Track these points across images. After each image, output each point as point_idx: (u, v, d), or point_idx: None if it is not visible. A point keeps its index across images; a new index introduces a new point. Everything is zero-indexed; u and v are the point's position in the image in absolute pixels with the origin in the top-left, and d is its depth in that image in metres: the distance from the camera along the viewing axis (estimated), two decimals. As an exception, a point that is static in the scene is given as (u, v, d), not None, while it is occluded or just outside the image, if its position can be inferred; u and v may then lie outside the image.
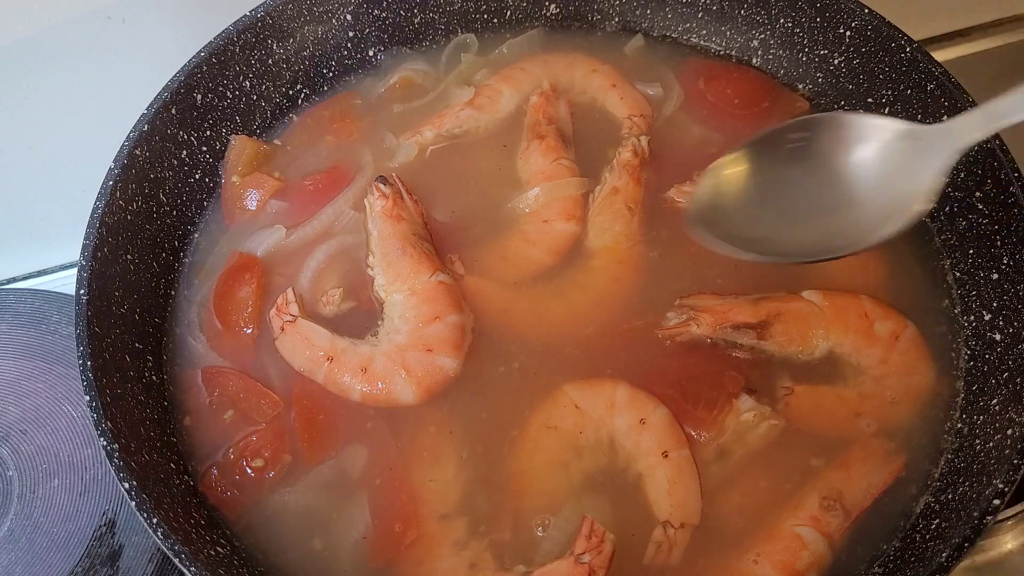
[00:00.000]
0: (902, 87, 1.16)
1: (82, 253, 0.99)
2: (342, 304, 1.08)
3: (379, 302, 1.08)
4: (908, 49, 1.13)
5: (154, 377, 1.05)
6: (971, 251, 1.09)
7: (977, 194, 1.08)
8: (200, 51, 1.16)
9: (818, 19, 1.23)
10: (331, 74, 1.30)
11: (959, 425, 1.01)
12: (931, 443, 1.01)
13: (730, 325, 1.03)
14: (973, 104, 1.08)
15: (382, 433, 1.00)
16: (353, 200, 1.16)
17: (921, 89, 1.13)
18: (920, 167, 0.89)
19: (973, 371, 1.04)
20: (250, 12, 1.19)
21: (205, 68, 1.16)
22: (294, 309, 1.05)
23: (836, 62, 1.23)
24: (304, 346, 1.03)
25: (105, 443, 0.88)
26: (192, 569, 0.83)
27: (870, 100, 1.21)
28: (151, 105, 1.11)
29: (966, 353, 1.06)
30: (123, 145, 1.07)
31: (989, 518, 0.86)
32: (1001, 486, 0.87)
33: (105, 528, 1.13)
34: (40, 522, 1.13)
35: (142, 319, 1.07)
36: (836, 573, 0.94)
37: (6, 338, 1.28)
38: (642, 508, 0.95)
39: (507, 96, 1.25)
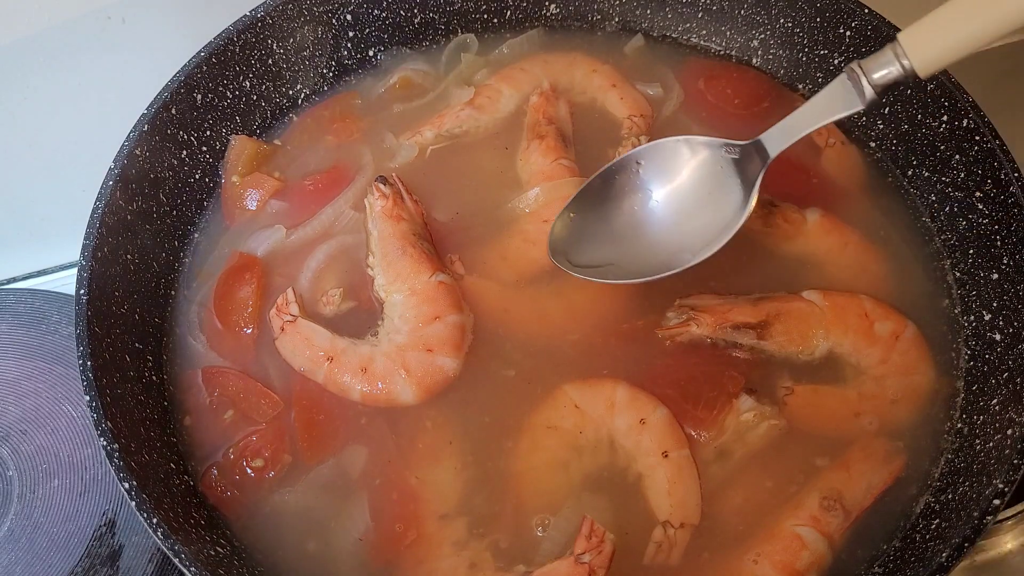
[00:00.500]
0: (902, 87, 1.16)
1: (82, 253, 0.99)
2: (342, 304, 1.08)
3: (379, 302, 1.08)
4: (908, 49, 1.13)
5: (154, 377, 1.05)
6: (971, 251, 1.09)
7: (977, 194, 1.08)
8: (200, 51, 1.16)
9: (818, 19, 1.23)
10: (331, 74, 1.30)
11: (959, 425, 1.01)
12: (931, 443, 1.01)
13: (730, 325, 1.03)
14: (973, 104, 1.08)
15: (382, 433, 1.00)
16: (353, 200, 1.16)
17: (921, 89, 1.13)
18: (736, 181, 1.01)
19: (973, 371, 1.04)
20: (250, 12, 1.19)
21: (205, 68, 1.16)
22: (294, 309, 1.05)
23: (836, 62, 1.23)
24: (304, 346, 1.03)
25: (105, 443, 0.88)
26: (192, 569, 0.83)
27: (870, 100, 1.21)
28: (151, 105, 1.11)
29: (966, 353, 1.06)
30: (123, 145, 1.07)
31: (989, 518, 0.86)
32: (1001, 486, 0.87)
33: (105, 528, 1.13)
34: (40, 522, 1.13)
35: (142, 319, 1.07)
36: (836, 573, 0.94)
37: (6, 338, 1.28)
38: (642, 508, 0.95)
39: (507, 96, 1.25)
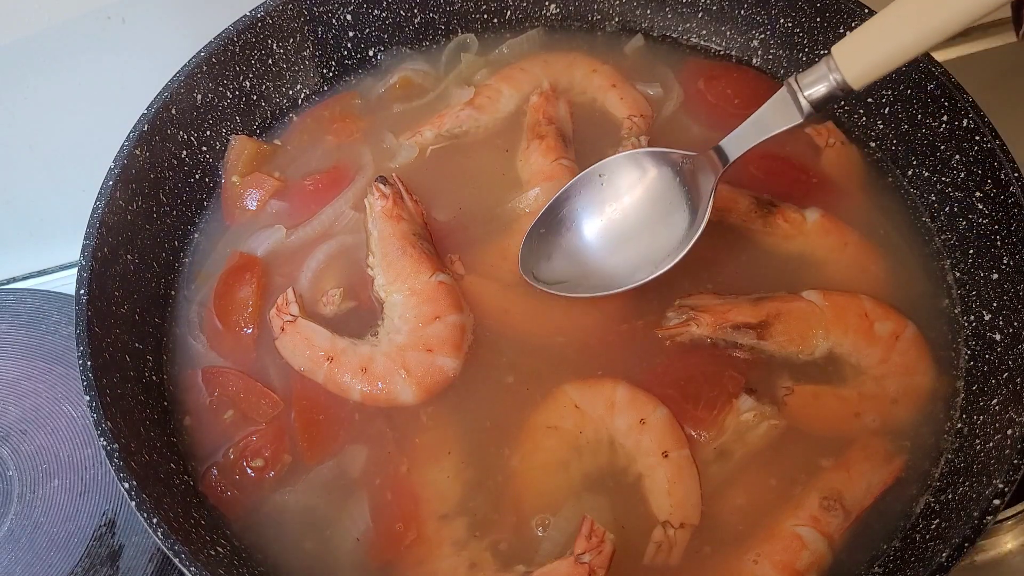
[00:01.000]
0: (902, 87, 1.16)
1: (82, 253, 0.99)
2: (342, 304, 1.08)
3: (379, 302, 1.08)
4: (908, 49, 1.13)
5: (154, 377, 1.05)
6: (971, 251, 1.09)
7: (977, 194, 1.08)
8: (200, 51, 1.16)
9: (818, 19, 1.23)
10: (331, 74, 1.30)
11: (959, 425, 1.01)
12: (931, 443, 1.01)
13: (730, 325, 1.03)
14: (973, 104, 1.08)
15: (382, 433, 1.00)
16: (353, 200, 1.16)
17: (921, 89, 1.13)
18: (696, 193, 1.03)
19: (973, 371, 1.04)
20: (250, 12, 1.19)
21: (205, 68, 1.16)
22: (294, 309, 1.05)
23: (836, 62, 1.23)
24: (304, 346, 1.03)
25: (105, 443, 0.88)
26: (192, 569, 0.83)
27: (870, 100, 1.21)
28: (151, 105, 1.11)
29: (966, 353, 1.06)
30: (123, 145, 1.07)
31: (989, 518, 0.86)
32: (1001, 486, 0.87)
33: (105, 528, 1.13)
34: (40, 522, 1.13)
35: (142, 319, 1.07)
36: (836, 573, 0.94)
37: (6, 338, 1.28)
38: (642, 508, 0.95)
39: (507, 96, 1.25)
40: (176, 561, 0.83)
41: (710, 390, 1.00)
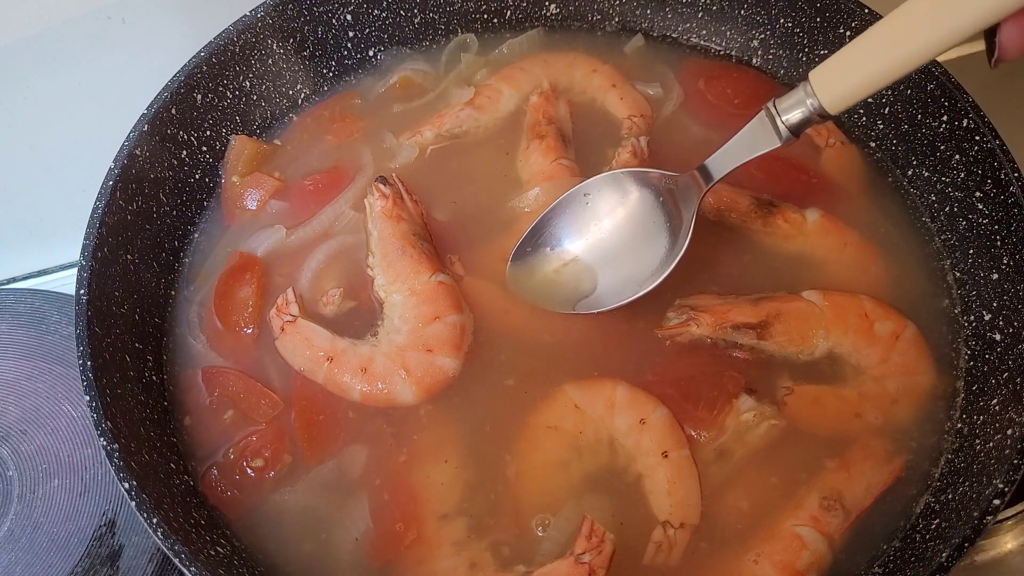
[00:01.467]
0: (902, 87, 1.16)
1: (82, 253, 0.99)
2: (342, 304, 1.08)
3: (379, 302, 1.08)
4: (908, 49, 1.13)
5: (154, 377, 1.05)
6: (971, 251, 1.09)
7: (977, 194, 1.08)
8: (200, 51, 1.16)
9: (818, 19, 1.23)
10: (331, 74, 1.30)
11: (959, 425, 1.01)
12: (931, 443, 1.01)
13: (730, 325, 1.03)
14: (973, 104, 1.08)
15: (382, 433, 1.00)
16: (353, 200, 1.16)
17: (921, 89, 1.13)
18: (679, 212, 1.03)
19: (973, 371, 1.04)
20: (250, 12, 1.19)
21: (205, 68, 1.16)
22: (294, 309, 1.05)
23: (836, 62, 1.23)
24: (304, 346, 1.03)
25: (105, 443, 0.88)
26: (192, 569, 0.83)
27: (870, 100, 1.21)
28: (151, 105, 1.11)
29: (966, 353, 1.06)
30: (123, 145, 1.07)
31: (989, 518, 0.86)
32: (1001, 486, 0.87)
33: (105, 528, 1.13)
34: (40, 522, 1.13)
35: (142, 319, 1.07)
36: (836, 573, 0.94)
37: (6, 338, 1.28)
38: (642, 508, 0.95)
39: (507, 96, 1.25)
40: (176, 561, 0.83)
41: (710, 390, 1.00)
